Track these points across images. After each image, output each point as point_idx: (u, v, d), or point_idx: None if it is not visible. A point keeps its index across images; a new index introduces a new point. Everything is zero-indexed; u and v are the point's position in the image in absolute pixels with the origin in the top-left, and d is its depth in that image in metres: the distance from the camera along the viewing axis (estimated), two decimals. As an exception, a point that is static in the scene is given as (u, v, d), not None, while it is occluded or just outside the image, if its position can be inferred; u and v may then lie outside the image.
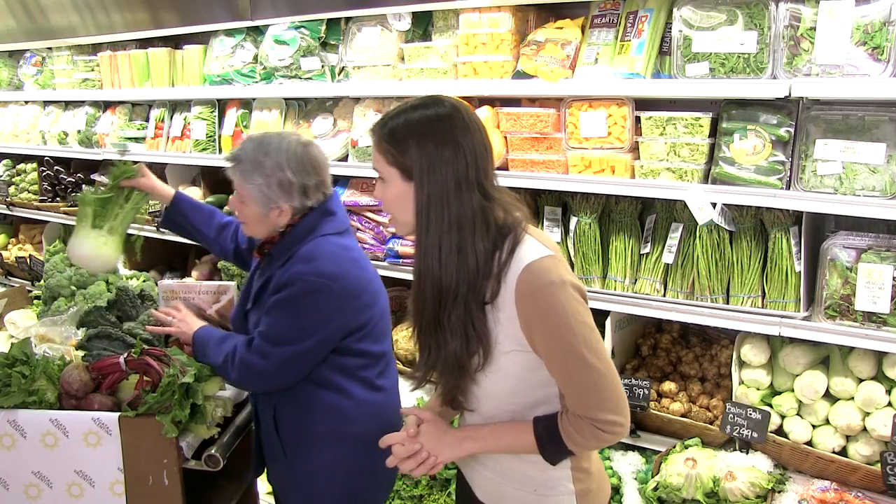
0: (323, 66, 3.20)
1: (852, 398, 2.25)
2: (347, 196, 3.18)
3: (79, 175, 4.49)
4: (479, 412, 1.59)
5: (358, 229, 3.19)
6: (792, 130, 2.24)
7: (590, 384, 1.43)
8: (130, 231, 2.49)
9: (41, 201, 4.68)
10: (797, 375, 2.34)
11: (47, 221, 4.82)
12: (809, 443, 2.28)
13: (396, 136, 1.46)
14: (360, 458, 2.06)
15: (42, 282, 3.78)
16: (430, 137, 1.44)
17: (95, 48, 4.26)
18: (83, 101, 4.46)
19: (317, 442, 2.06)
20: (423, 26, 2.99)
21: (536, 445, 1.51)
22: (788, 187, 2.22)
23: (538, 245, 1.47)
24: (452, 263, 1.44)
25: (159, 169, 4.18)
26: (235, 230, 2.37)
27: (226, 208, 2.82)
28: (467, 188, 1.44)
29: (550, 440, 1.49)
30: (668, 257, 2.47)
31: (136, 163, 2.39)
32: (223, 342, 2.06)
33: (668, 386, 2.56)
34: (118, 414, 2.02)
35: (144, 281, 3.64)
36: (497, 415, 1.57)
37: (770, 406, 2.36)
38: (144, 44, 3.97)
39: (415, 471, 1.58)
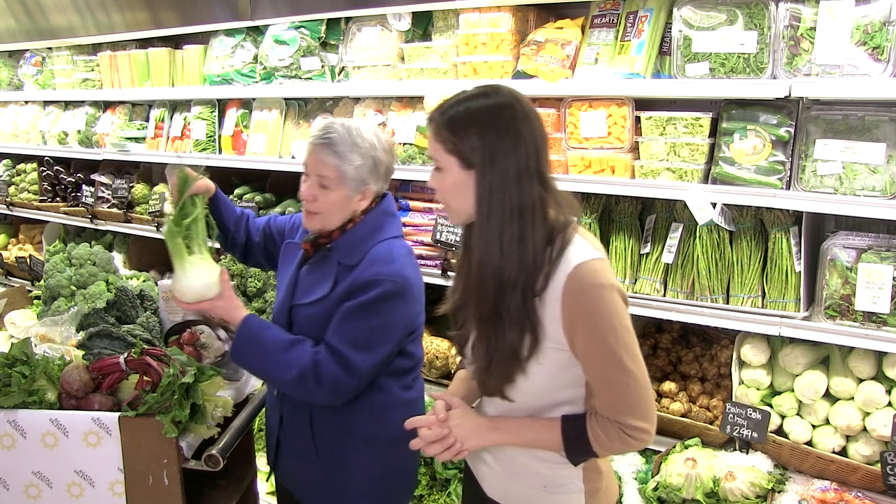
0: (323, 66, 3.20)
1: (852, 398, 2.25)
2: (347, 196, 3.18)
3: (79, 175, 4.49)
4: (504, 405, 1.59)
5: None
6: (792, 130, 2.24)
7: (624, 388, 1.44)
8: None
9: (41, 201, 4.68)
10: (797, 375, 2.34)
11: (47, 221, 4.82)
12: (809, 443, 2.28)
13: (457, 124, 1.45)
14: (393, 460, 2.05)
15: (42, 282, 3.78)
16: (491, 127, 1.43)
17: (95, 48, 4.26)
18: (83, 101, 4.46)
19: (354, 443, 2.01)
20: (423, 26, 2.99)
21: (562, 443, 1.52)
22: (788, 187, 2.22)
23: (588, 246, 1.48)
24: (514, 253, 1.44)
25: (160, 169, 4.19)
26: (247, 222, 2.31)
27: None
28: (528, 178, 1.44)
29: (577, 440, 1.50)
30: (668, 257, 2.47)
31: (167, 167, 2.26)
32: (288, 350, 1.89)
33: (669, 386, 2.57)
34: (118, 414, 2.02)
35: (144, 281, 3.65)
36: (521, 409, 1.57)
37: (770, 406, 2.35)
38: (144, 44, 3.98)
39: (440, 455, 1.58)
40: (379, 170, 1.96)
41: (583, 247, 1.47)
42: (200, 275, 1.91)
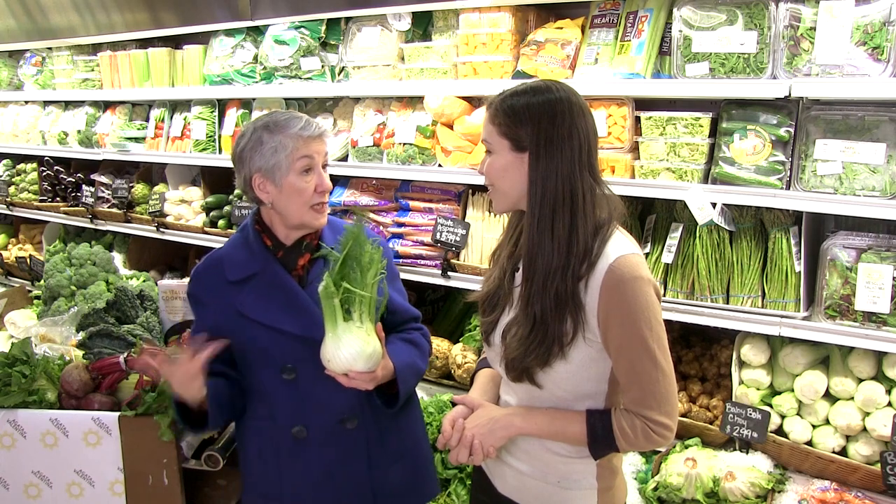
0: (323, 66, 3.20)
1: (852, 398, 2.25)
2: (347, 196, 3.18)
3: (79, 175, 4.49)
4: (529, 394, 1.60)
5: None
6: (792, 130, 2.24)
7: (653, 382, 1.47)
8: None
9: (41, 201, 4.68)
10: (797, 375, 2.34)
11: (47, 221, 4.82)
12: (809, 443, 2.28)
13: (515, 110, 1.50)
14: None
15: (42, 282, 3.79)
16: (548, 117, 1.48)
17: (95, 48, 4.26)
18: (83, 101, 4.46)
19: (414, 406, 2.07)
20: (423, 26, 2.99)
21: (586, 437, 1.53)
22: (788, 187, 2.22)
23: (627, 241, 1.52)
24: (564, 241, 1.47)
25: (160, 169, 4.19)
26: (236, 387, 2.00)
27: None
28: (580, 169, 1.48)
29: (603, 433, 1.52)
30: (667, 257, 2.47)
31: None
32: (415, 349, 1.96)
33: (668, 386, 2.56)
34: (118, 414, 2.02)
35: (144, 281, 3.65)
36: (546, 399, 1.58)
37: (770, 406, 2.35)
38: (144, 44, 3.98)
39: (469, 459, 1.58)
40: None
41: (623, 241, 1.51)
42: (352, 344, 1.68)
